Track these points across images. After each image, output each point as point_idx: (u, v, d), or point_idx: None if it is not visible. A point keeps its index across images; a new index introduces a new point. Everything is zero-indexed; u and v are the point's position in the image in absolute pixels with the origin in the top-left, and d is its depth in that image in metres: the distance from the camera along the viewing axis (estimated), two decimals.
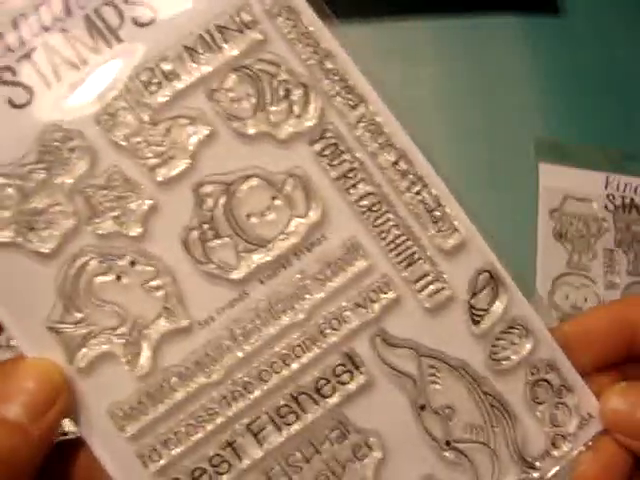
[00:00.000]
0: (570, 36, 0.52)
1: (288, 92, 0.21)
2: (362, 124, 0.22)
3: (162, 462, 0.20)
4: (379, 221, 0.21)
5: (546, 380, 0.21)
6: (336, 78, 0.22)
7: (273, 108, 0.21)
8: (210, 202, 0.21)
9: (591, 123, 0.47)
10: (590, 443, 0.21)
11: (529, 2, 0.53)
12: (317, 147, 0.22)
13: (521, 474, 0.21)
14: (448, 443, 0.21)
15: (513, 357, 0.21)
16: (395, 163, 0.22)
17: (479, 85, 0.50)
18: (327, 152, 0.22)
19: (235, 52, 0.21)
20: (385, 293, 0.21)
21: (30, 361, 0.20)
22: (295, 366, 0.21)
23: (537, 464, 0.21)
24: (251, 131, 0.21)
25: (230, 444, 0.21)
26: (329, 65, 0.22)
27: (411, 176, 0.22)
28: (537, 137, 0.46)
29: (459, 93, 0.50)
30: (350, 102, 0.22)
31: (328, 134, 0.22)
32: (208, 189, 0.21)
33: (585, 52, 0.51)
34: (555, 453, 0.21)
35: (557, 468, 0.21)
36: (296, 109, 0.21)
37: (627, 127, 0.47)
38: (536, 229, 0.44)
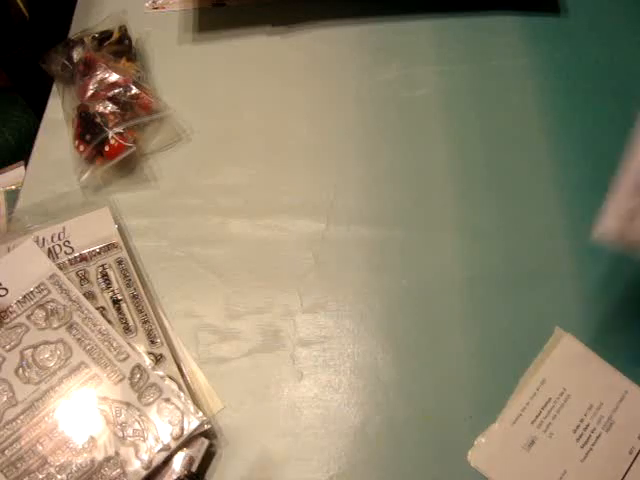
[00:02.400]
0: (570, 35, 0.52)
1: None
2: None
3: None
4: None
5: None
6: None
7: None
8: None
9: (591, 123, 0.47)
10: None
11: (530, 1, 0.53)
12: None
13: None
14: None
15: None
16: None
17: (479, 85, 0.50)
18: None
19: None
20: None
21: None
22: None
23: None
24: None
25: None
26: None
27: None
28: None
29: (459, 93, 0.50)
30: None
31: None
32: None
33: (585, 52, 0.51)
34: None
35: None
36: None
37: (627, 127, 0.47)
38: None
